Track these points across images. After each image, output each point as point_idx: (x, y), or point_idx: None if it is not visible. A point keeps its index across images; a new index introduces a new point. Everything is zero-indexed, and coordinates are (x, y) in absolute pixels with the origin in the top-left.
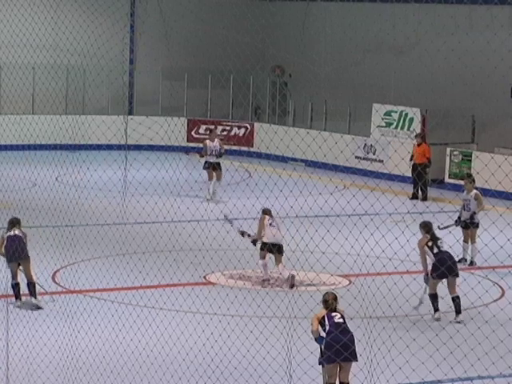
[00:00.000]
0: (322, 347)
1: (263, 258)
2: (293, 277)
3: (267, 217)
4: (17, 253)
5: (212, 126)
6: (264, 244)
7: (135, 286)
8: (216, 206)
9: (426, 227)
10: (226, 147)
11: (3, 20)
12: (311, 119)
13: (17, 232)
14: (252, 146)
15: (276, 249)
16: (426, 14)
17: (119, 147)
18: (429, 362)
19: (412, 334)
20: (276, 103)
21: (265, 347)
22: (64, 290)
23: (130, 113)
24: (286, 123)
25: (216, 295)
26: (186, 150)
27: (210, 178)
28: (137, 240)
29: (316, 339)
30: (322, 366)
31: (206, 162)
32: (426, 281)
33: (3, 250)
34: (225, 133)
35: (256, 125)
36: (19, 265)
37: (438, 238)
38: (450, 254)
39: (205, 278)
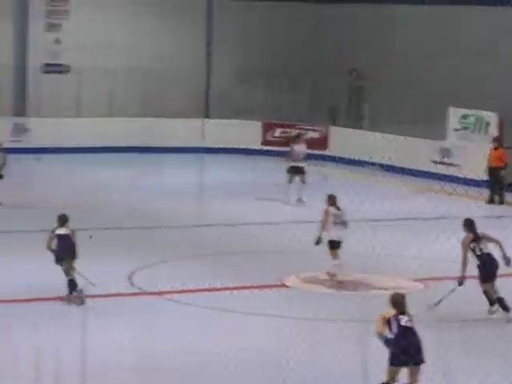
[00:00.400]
0: (390, 349)
1: (336, 257)
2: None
3: (332, 209)
4: (67, 251)
5: (300, 131)
6: (331, 242)
7: (210, 288)
8: (293, 208)
9: (470, 225)
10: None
11: (83, 25)
12: (386, 123)
13: (65, 231)
14: (327, 150)
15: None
16: (503, 16)
17: (195, 150)
18: (504, 366)
19: (488, 338)
20: (352, 106)
21: (339, 351)
22: (140, 291)
23: (207, 115)
24: (361, 127)
25: (291, 298)
26: None
27: (291, 182)
28: (212, 242)
29: (382, 340)
30: (390, 365)
31: (290, 166)
32: (460, 284)
33: (52, 246)
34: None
35: (331, 128)
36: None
37: (481, 238)
38: (492, 257)
39: (280, 280)
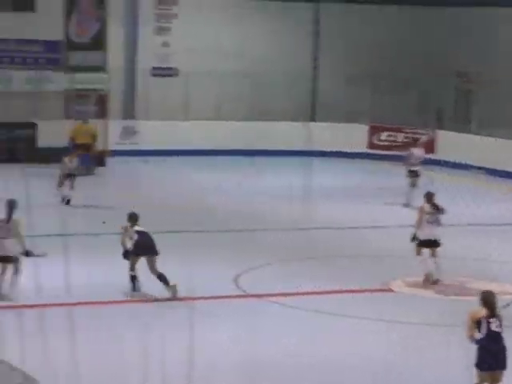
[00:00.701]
0: (478, 352)
1: (420, 254)
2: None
3: (427, 207)
4: (148, 247)
5: (418, 135)
6: (420, 241)
7: (316, 291)
8: (406, 212)
9: None
10: (405, 153)
11: (192, 28)
12: (493, 126)
13: (143, 228)
14: (434, 153)
15: (432, 243)
16: None
17: (302, 153)
18: None
19: None
20: (458, 109)
21: (445, 356)
22: (245, 294)
23: (313, 119)
24: (469, 130)
25: (396, 302)
26: None
27: (413, 186)
28: (318, 245)
29: (473, 342)
30: (478, 370)
31: (409, 170)
32: None
33: (129, 243)
34: (406, 140)
35: (438, 132)
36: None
37: None
38: None
39: (386, 284)
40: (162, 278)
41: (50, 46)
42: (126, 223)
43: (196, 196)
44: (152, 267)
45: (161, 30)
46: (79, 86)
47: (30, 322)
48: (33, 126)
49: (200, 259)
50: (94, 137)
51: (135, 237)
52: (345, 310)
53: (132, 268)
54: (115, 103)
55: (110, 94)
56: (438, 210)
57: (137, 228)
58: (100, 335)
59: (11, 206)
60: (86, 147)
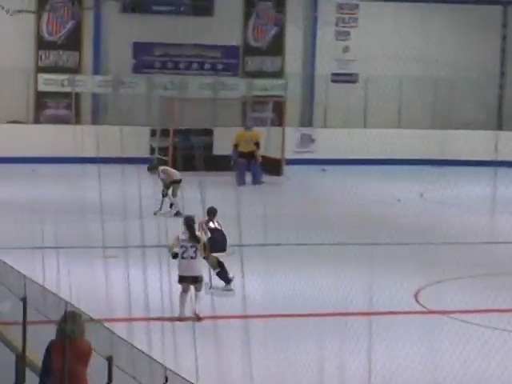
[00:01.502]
0: None
1: None
2: None
3: None
4: (222, 243)
5: None
6: None
7: (503, 309)
8: None
9: None
10: None
11: (372, 32)
12: None
13: (218, 225)
14: None
15: None
16: None
17: (489, 163)
18: None
19: None
20: None
21: None
22: (426, 310)
23: (500, 127)
24: None
25: None
26: None
27: None
28: (506, 261)
29: None
30: None
31: None
32: None
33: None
34: None
35: None
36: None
37: None
38: None
39: None
40: (220, 275)
41: (228, 51)
42: (205, 218)
43: (373, 206)
44: (213, 264)
45: (341, 35)
46: (256, 93)
47: (226, 334)
48: (209, 132)
49: (377, 272)
50: (257, 144)
51: (208, 234)
52: None
53: (214, 266)
54: (292, 110)
55: (287, 101)
56: None
57: (211, 225)
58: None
59: (191, 223)
60: (250, 155)
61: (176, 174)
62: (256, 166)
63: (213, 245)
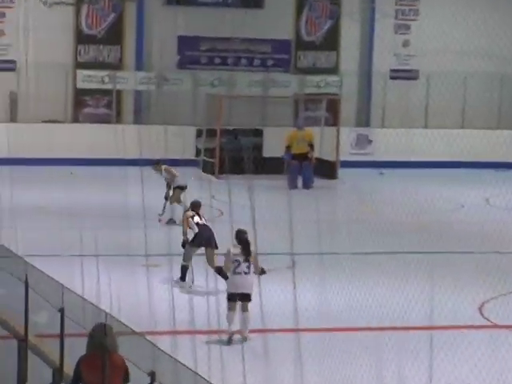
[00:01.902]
0: None
1: None
2: None
3: None
4: (206, 239)
5: None
6: None
7: None
8: None
9: None
10: None
11: (434, 25)
12: None
13: (205, 221)
14: None
15: None
16: None
17: None
18: None
19: None
20: None
21: None
22: (491, 324)
23: None
24: None
25: None
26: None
27: None
28: None
29: None
30: None
31: None
32: None
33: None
34: None
35: None
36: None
37: None
38: None
39: None
40: (219, 271)
41: (279, 45)
42: (190, 212)
43: (434, 212)
44: (209, 259)
45: (400, 28)
46: (309, 90)
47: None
48: (259, 133)
49: (438, 283)
50: (311, 145)
51: (195, 229)
52: None
53: (185, 258)
54: (348, 109)
55: (343, 99)
56: None
57: (197, 220)
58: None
59: (244, 237)
60: (302, 157)
61: (178, 177)
62: (308, 168)
63: (197, 240)
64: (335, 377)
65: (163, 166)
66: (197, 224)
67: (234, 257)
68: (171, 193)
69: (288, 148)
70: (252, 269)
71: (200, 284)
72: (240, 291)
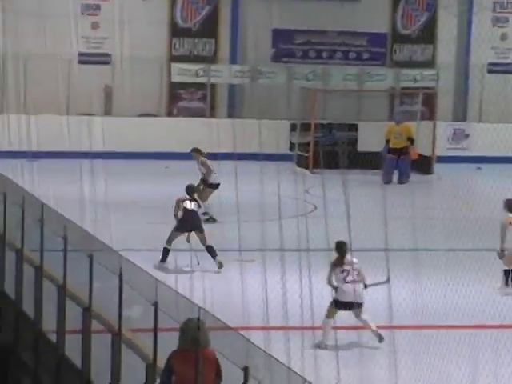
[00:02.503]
0: None
1: None
2: None
3: None
4: (191, 224)
5: None
6: None
7: None
8: None
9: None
10: None
11: None
12: None
13: (193, 206)
14: None
15: None
16: None
17: None
18: None
19: None
20: None
21: None
22: None
23: None
24: None
25: None
26: None
27: None
28: None
29: None
30: None
31: None
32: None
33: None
34: None
35: None
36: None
37: None
38: None
39: None
40: (210, 250)
41: (375, 38)
42: (183, 196)
43: None
44: (201, 240)
45: (498, 21)
46: (405, 84)
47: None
48: (354, 127)
49: None
50: (410, 139)
51: (180, 214)
52: None
53: (168, 241)
54: (444, 103)
55: (439, 93)
56: None
57: (187, 205)
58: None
59: (343, 247)
60: (400, 151)
61: (215, 174)
62: (405, 163)
63: (181, 225)
64: (430, 375)
65: (201, 158)
66: (184, 209)
67: (343, 266)
68: (201, 188)
69: (388, 142)
70: (361, 277)
71: (292, 281)
72: (350, 300)
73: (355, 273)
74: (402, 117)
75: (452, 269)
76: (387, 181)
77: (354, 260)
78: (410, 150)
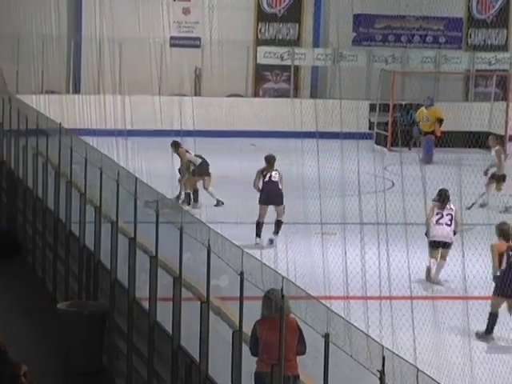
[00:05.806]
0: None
1: None
2: None
3: None
4: (272, 197)
5: None
6: None
7: None
8: None
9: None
10: None
11: None
12: None
13: (274, 175)
14: None
15: None
16: None
17: None
18: None
19: None
20: None
21: None
22: None
23: None
24: None
25: None
26: None
27: None
28: None
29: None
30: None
31: None
32: None
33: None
34: None
35: None
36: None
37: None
38: None
39: None
40: (278, 224)
41: (452, 23)
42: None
43: None
44: (278, 214)
45: None
46: (479, 67)
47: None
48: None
49: None
50: (439, 119)
51: (260, 185)
52: None
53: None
54: None
55: None
56: None
57: (266, 178)
58: None
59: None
60: (426, 134)
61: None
62: (428, 142)
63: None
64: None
65: (180, 149)
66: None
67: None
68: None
69: (417, 124)
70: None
71: (371, 253)
72: (441, 240)
73: (448, 218)
74: (430, 101)
75: None
76: (427, 161)
77: (451, 207)
78: (436, 128)
